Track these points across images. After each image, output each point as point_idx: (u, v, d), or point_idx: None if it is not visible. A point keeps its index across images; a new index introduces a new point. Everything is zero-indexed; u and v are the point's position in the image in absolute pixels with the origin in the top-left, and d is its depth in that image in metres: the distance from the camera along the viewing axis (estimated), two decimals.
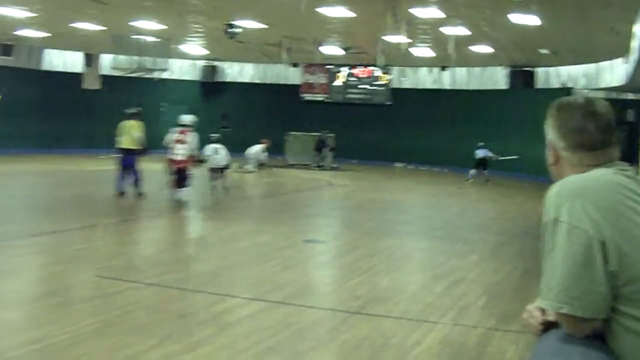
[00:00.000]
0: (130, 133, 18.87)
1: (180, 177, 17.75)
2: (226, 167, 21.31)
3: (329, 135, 34.00)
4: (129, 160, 18.70)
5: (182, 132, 17.90)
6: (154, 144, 22.46)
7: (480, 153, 29.42)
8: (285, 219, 16.86)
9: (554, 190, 2.66)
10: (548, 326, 2.75)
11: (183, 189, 17.75)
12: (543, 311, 2.76)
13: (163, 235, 14.63)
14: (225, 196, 20.55)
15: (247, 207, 19.29)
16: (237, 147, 27.11)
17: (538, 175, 25.90)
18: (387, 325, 7.89)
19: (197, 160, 18.55)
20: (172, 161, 17.87)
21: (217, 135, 21.67)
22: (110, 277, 9.54)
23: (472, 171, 29.40)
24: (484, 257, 12.74)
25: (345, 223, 17.60)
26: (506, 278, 10.89)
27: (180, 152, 17.66)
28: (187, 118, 18.35)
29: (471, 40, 25.32)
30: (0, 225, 13.92)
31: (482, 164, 29.38)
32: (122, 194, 18.54)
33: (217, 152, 20.82)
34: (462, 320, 8.15)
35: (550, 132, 2.86)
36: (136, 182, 18.79)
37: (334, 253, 13.29)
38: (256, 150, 29.44)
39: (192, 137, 17.86)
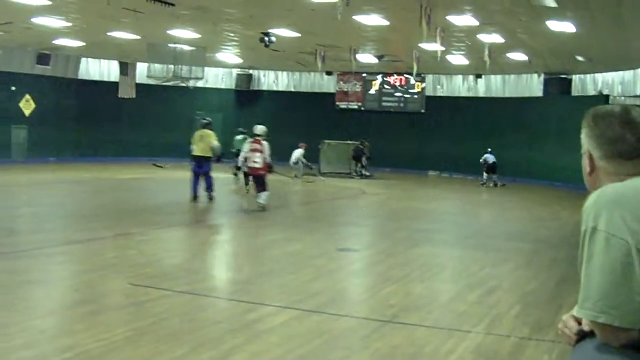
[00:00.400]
0: (205, 141, 20.24)
1: (258, 183, 19.07)
2: None
3: (367, 144, 33.88)
4: (203, 167, 20.12)
5: (256, 142, 19.07)
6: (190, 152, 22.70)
7: (491, 158, 31.13)
8: (319, 228, 16.84)
9: (591, 200, 2.62)
10: (583, 336, 2.70)
11: (263, 193, 18.92)
12: (578, 321, 2.72)
13: (196, 243, 14.65)
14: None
15: (281, 215, 19.29)
16: (271, 156, 27.11)
17: (574, 183, 25.70)
18: (419, 334, 7.84)
19: (271, 167, 19.52)
20: (251, 169, 19.28)
21: (251, 141, 21.93)
22: (142, 285, 9.57)
23: (485, 176, 31.26)
24: (518, 266, 12.66)
25: (379, 232, 17.57)
26: (541, 287, 10.79)
27: (257, 160, 18.78)
28: (260, 128, 19.43)
29: (506, 47, 25.20)
30: (35, 233, 14.09)
31: (492, 168, 31.07)
32: (196, 198, 19.93)
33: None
34: (496, 330, 8.08)
35: (587, 142, 2.81)
36: (209, 188, 20.17)
37: (367, 262, 13.24)
38: (299, 155, 29.83)
39: (266, 146, 18.93)
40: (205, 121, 21.15)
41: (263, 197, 18.93)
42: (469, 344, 7.48)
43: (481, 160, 31.66)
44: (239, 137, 26.84)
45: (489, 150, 31.43)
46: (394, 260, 12.84)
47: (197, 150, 20.27)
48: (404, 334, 7.83)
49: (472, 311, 8.94)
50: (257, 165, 18.88)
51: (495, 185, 31.00)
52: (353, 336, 7.81)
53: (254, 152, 18.90)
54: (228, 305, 9.06)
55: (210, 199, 20.16)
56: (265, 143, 18.99)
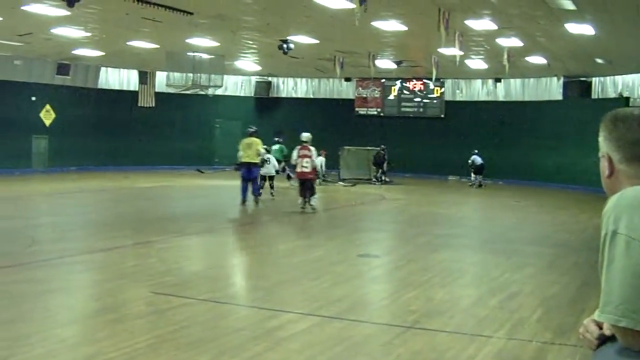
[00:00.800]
0: (253, 149, 21.74)
1: (307, 187, 20.46)
2: (274, 176, 24.15)
3: (386, 149, 33.82)
4: (251, 173, 21.64)
5: (304, 148, 20.54)
6: (209, 159, 23.31)
7: (478, 159, 32.52)
8: (339, 234, 16.81)
9: (611, 203, 2.60)
10: (604, 340, 2.68)
11: (313, 197, 20.48)
12: (599, 325, 2.70)
13: (216, 251, 14.65)
14: (274, 200, 22.74)
15: (300, 222, 19.30)
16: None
17: (594, 187, 25.53)
18: (441, 339, 7.82)
19: (318, 171, 21.13)
20: (300, 173, 20.51)
21: (266, 147, 24.01)
22: (163, 293, 9.60)
23: (473, 176, 32.76)
24: (539, 270, 12.60)
25: (399, 237, 17.52)
26: (562, 291, 10.74)
27: (306, 165, 20.27)
28: (306, 135, 20.96)
29: (525, 51, 25.11)
30: (56, 242, 14.16)
31: (480, 169, 32.54)
32: (244, 201, 21.44)
33: (267, 162, 23.48)
34: (517, 334, 8.05)
35: (605, 145, 2.79)
36: (255, 191, 21.91)
37: (388, 267, 13.22)
38: (321, 162, 30.11)
39: (313, 152, 20.61)
40: (251, 129, 22.56)
41: (314, 200, 20.47)
42: (491, 348, 7.45)
43: (469, 162, 32.89)
44: (276, 147, 28.50)
45: (476, 151, 32.77)
46: (414, 265, 12.81)
47: (245, 156, 21.65)
48: (425, 339, 7.81)
49: (494, 316, 8.91)
50: (306, 170, 20.26)
51: (480, 185, 32.32)
52: (374, 342, 7.80)
53: (303, 158, 20.30)
54: (249, 313, 9.07)
55: (257, 202, 21.82)
56: (312, 149, 20.57)
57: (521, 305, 9.55)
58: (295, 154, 20.59)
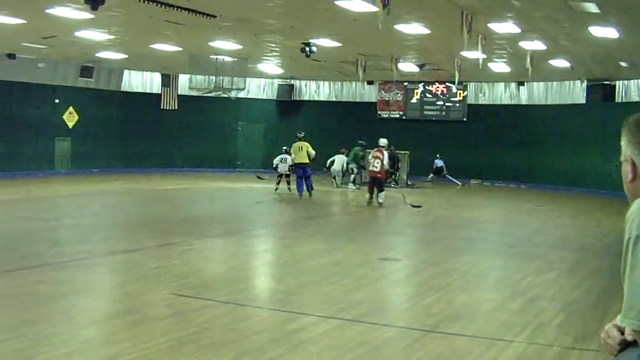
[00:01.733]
0: (304, 150, 25.46)
1: (377, 184, 23.33)
2: (290, 174, 27.14)
3: (401, 152, 33.60)
4: (305, 171, 25.34)
5: (378, 151, 23.62)
6: (232, 162, 23.50)
7: (439, 162, 35.53)
8: (360, 237, 16.82)
9: (635, 207, 2.58)
10: (626, 346, 2.67)
11: (381, 193, 23.26)
12: (621, 330, 2.68)
13: (237, 253, 14.65)
14: (288, 195, 24.21)
15: (321, 225, 19.30)
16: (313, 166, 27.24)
17: (618, 191, 25.33)
18: (461, 343, 7.80)
19: (388, 172, 24.71)
20: (370, 172, 23.66)
21: (285, 148, 27.40)
22: (184, 295, 9.62)
23: (431, 176, 35.87)
24: (562, 274, 12.53)
25: (421, 240, 17.46)
26: (584, 296, 10.68)
27: (376, 165, 23.14)
28: (382, 141, 24.04)
29: (548, 54, 24.99)
30: (78, 244, 14.22)
31: (438, 171, 35.57)
32: (301, 196, 25.18)
33: (283, 161, 26.97)
34: (538, 339, 8.01)
35: (629, 148, 2.77)
36: (309, 187, 25.47)
37: (409, 271, 13.19)
38: (343, 161, 30.33)
39: (385, 155, 23.44)
40: (300, 134, 26.20)
41: (381, 197, 23.19)
42: (511, 353, 7.43)
43: (434, 166, 35.63)
44: (356, 148, 31.30)
45: (437, 155, 35.84)
46: (435, 269, 12.77)
47: (298, 158, 25.43)
48: (445, 343, 7.79)
49: (515, 320, 8.87)
50: (375, 170, 23.19)
51: (429, 181, 35.54)
52: (394, 345, 7.78)
53: (375, 159, 23.34)
54: (269, 315, 9.07)
55: (310, 195, 25.40)
56: (385, 153, 23.61)
57: (543, 310, 9.50)
58: (370, 155, 24.02)
